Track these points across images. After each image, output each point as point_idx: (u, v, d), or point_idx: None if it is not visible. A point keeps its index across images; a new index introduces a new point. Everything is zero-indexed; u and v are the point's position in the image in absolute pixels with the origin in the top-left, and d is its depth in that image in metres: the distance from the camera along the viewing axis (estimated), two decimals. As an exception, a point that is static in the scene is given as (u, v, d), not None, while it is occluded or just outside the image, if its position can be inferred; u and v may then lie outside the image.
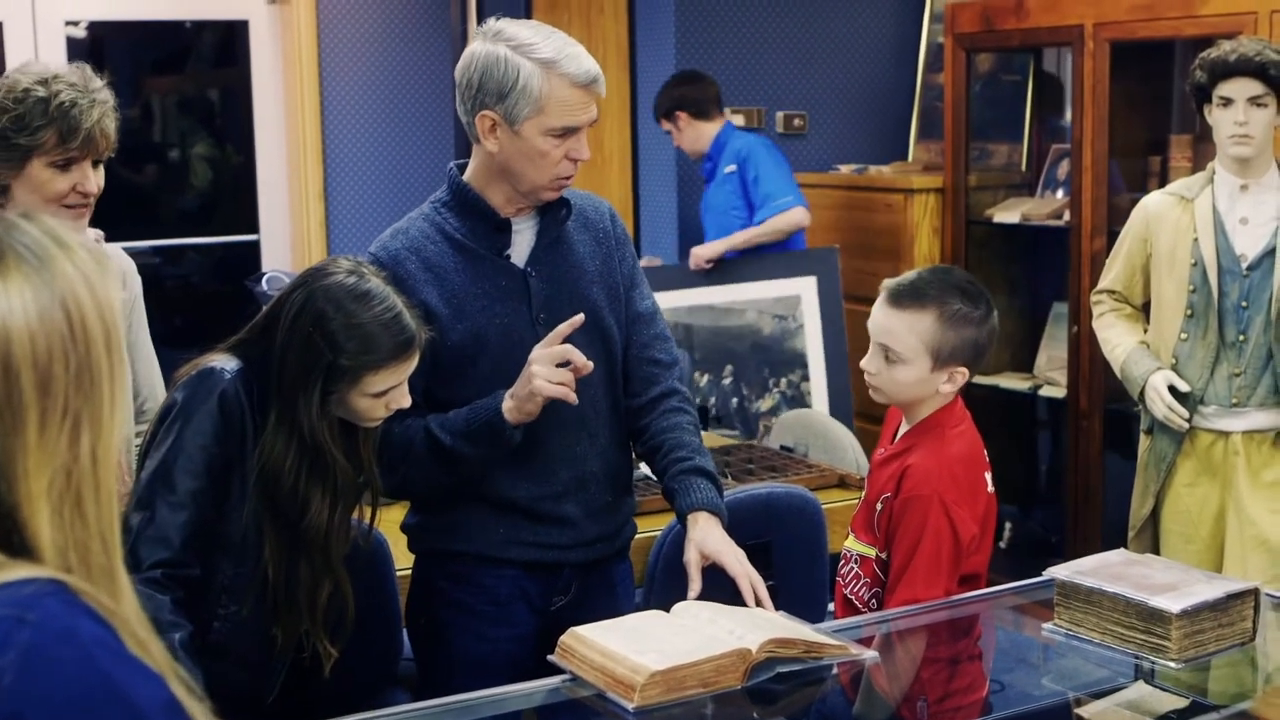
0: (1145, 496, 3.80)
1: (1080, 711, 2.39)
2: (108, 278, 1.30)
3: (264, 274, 4.92)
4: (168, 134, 7.00)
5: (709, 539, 2.66)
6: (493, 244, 2.72)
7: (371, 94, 6.12)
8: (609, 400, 2.80)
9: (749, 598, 2.59)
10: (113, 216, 3.28)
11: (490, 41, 2.62)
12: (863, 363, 2.78)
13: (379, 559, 3.11)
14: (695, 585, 2.62)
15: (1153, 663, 2.35)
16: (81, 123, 2.63)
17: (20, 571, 1.21)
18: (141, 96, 6.91)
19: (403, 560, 3.29)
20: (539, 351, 2.60)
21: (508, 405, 2.61)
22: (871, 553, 2.75)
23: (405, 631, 3.22)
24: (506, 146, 2.64)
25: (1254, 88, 3.49)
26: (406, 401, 2.47)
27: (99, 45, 6.41)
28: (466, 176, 2.75)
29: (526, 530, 2.72)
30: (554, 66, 2.58)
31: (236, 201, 6.53)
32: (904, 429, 2.82)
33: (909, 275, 2.79)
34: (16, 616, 1.17)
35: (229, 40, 6.60)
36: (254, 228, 6.31)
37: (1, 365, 1.22)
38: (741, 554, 2.66)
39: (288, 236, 6.21)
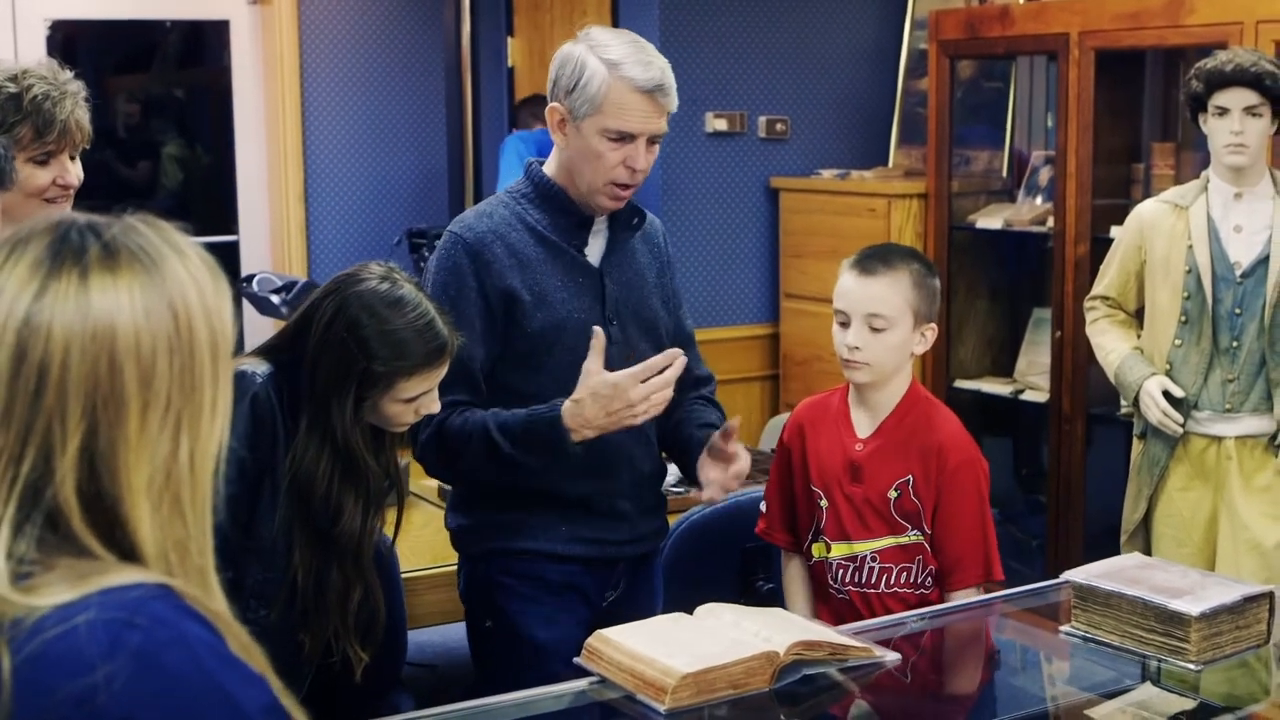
0: (1138, 500, 3.84)
1: (1089, 713, 2.42)
2: (220, 286, 1.32)
3: (254, 275, 4.92)
4: (139, 133, 6.97)
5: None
6: (572, 238, 2.77)
7: (354, 94, 6.10)
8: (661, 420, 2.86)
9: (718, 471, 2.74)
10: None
11: (576, 41, 2.71)
12: (848, 340, 2.83)
13: (385, 562, 3.10)
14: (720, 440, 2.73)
15: (1169, 664, 2.39)
16: (56, 115, 2.60)
17: (127, 575, 1.23)
18: (115, 95, 6.87)
19: (409, 562, 3.31)
20: (633, 397, 2.59)
21: (571, 415, 2.60)
22: (898, 540, 2.83)
23: (410, 634, 3.23)
24: (571, 142, 2.71)
25: (1250, 98, 3.54)
26: (436, 407, 2.48)
27: (73, 44, 6.37)
28: (549, 172, 2.79)
29: (586, 526, 2.77)
30: (617, 68, 2.64)
31: (211, 202, 6.50)
32: (870, 416, 2.89)
33: (864, 251, 2.93)
34: (125, 620, 1.19)
35: (201, 39, 6.58)
36: (229, 228, 6.28)
37: (107, 357, 1.24)
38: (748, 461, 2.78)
39: (267, 238, 6.19)
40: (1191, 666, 2.35)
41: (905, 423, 2.86)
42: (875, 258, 2.87)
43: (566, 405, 2.61)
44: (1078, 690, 2.54)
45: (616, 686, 2.26)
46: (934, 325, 2.89)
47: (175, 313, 1.27)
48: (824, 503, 2.90)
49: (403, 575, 3.23)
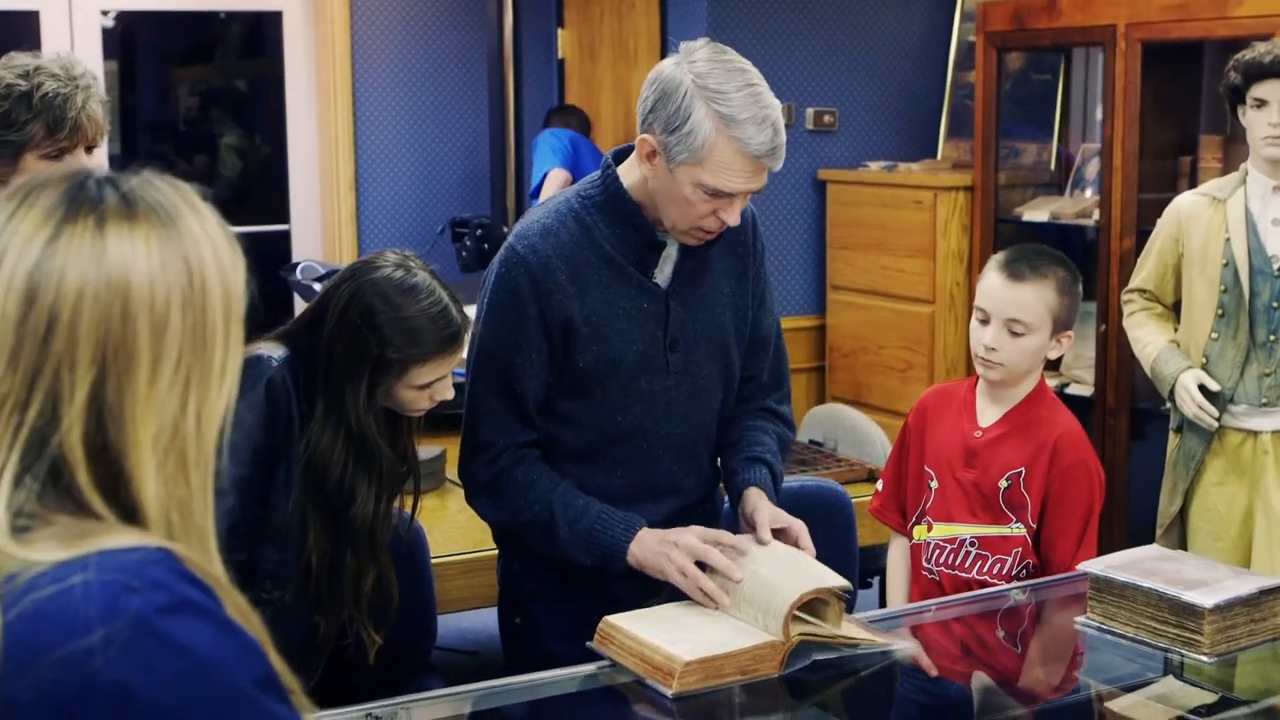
0: (1174, 495, 3.81)
1: (1109, 705, 2.42)
2: (235, 249, 1.30)
3: (297, 263, 4.97)
4: (198, 124, 7.05)
5: (777, 510, 2.58)
6: (641, 260, 2.56)
7: (404, 85, 6.16)
8: (718, 430, 2.75)
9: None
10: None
11: (681, 65, 2.41)
12: (985, 340, 2.87)
13: (415, 547, 3.14)
14: (766, 535, 2.51)
15: (1182, 655, 2.38)
16: (67, 112, 2.61)
17: (127, 537, 1.20)
18: (172, 86, 6.95)
19: (443, 547, 3.34)
20: (688, 539, 2.45)
21: (634, 554, 2.49)
22: (1000, 530, 2.85)
23: (448, 620, 3.26)
24: (660, 177, 2.45)
25: (1288, 90, 3.51)
26: (450, 394, 2.49)
27: (130, 36, 6.46)
28: (627, 184, 2.54)
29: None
30: (730, 126, 2.35)
31: (266, 192, 6.57)
32: (995, 408, 2.93)
33: (1013, 252, 2.95)
34: (124, 584, 1.16)
35: (260, 30, 6.65)
36: (284, 218, 6.35)
37: (120, 307, 1.21)
38: (804, 528, 2.56)
39: (318, 227, 6.25)
40: (1204, 659, 2.35)
41: (1027, 418, 2.90)
42: (1023, 261, 2.88)
43: (639, 534, 2.51)
44: (1095, 681, 2.54)
45: (627, 671, 2.28)
46: (1071, 333, 2.92)
47: (190, 268, 1.25)
48: (934, 484, 2.94)
49: (437, 560, 3.26)
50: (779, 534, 2.53)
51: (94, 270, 1.21)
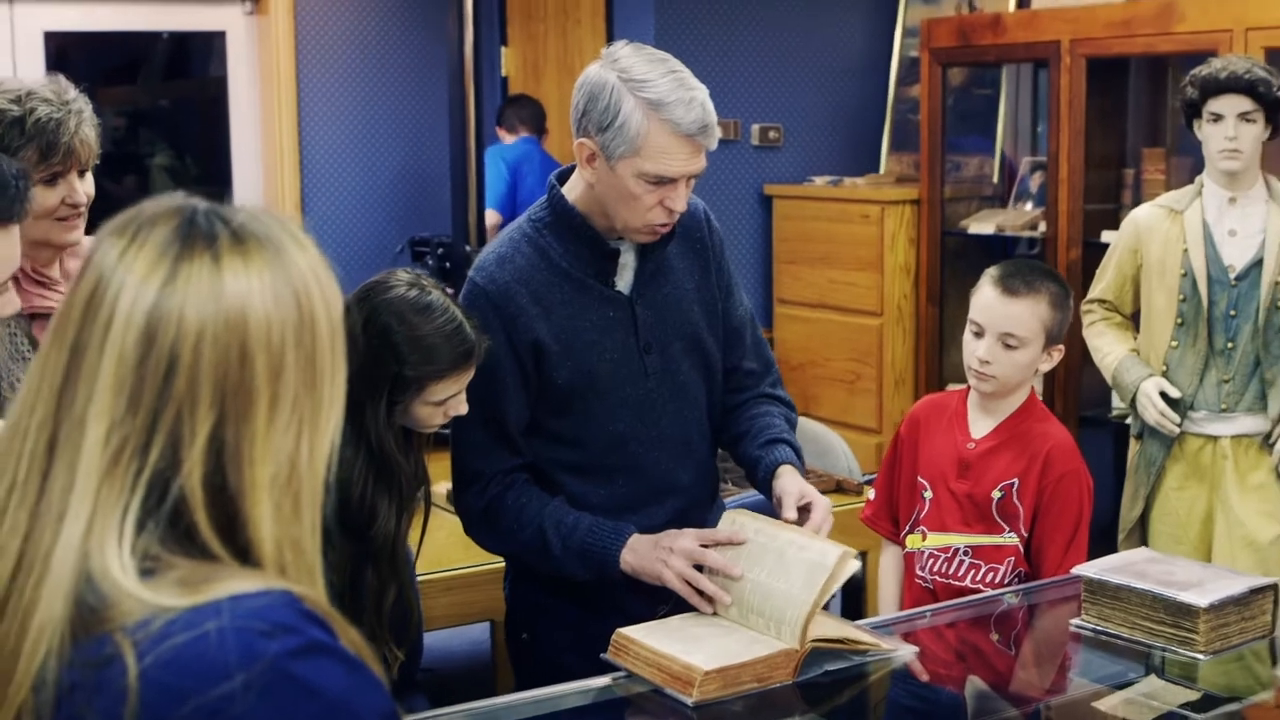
0: (1135, 499, 3.91)
1: (1097, 704, 2.47)
2: (334, 279, 1.29)
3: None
4: (129, 146, 6.99)
5: (805, 485, 2.60)
6: (600, 271, 2.63)
7: (350, 105, 6.15)
8: (710, 423, 2.79)
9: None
10: (89, 228, 3.28)
11: (604, 67, 2.49)
12: (979, 354, 2.94)
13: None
14: (791, 514, 2.54)
15: (1178, 654, 2.44)
16: (60, 137, 2.57)
17: (252, 581, 1.19)
18: (103, 108, 6.89)
19: (418, 566, 3.35)
20: (683, 543, 2.49)
21: (628, 560, 2.54)
22: (994, 540, 2.91)
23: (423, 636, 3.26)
24: (603, 179, 2.52)
25: (1243, 104, 3.61)
26: (464, 409, 2.51)
27: (65, 55, 6.40)
28: (572, 199, 2.61)
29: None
30: (659, 110, 2.42)
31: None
32: (987, 419, 2.99)
33: (1007, 267, 3.01)
34: (258, 629, 1.16)
35: (192, 50, 6.61)
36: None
37: (238, 346, 1.20)
38: (829, 507, 2.58)
39: (264, 247, 6.23)
40: (1200, 657, 2.41)
41: (1019, 429, 2.97)
42: (1018, 277, 2.95)
43: (630, 540, 2.56)
44: (1088, 682, 2.59)
45: (643, 681, 2.31)
46: (1061, 346, 3.00)
47: (300, 303, 1.24)
48: (928, 494, 3.00)
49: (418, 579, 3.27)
50: (804, 511, 2.56)
51: (213, 309, 1.20)
